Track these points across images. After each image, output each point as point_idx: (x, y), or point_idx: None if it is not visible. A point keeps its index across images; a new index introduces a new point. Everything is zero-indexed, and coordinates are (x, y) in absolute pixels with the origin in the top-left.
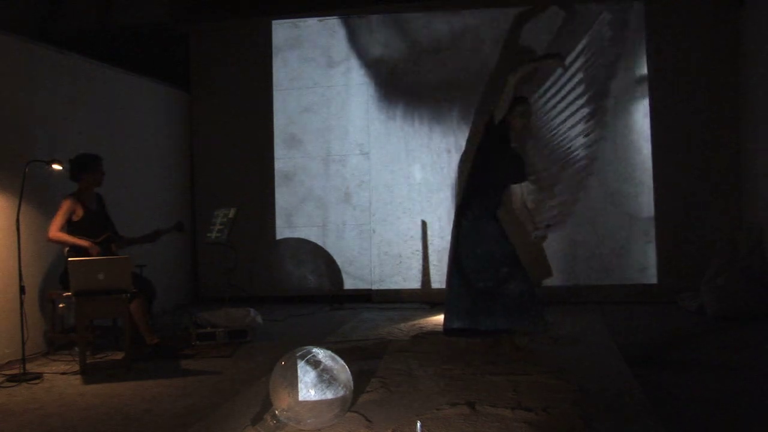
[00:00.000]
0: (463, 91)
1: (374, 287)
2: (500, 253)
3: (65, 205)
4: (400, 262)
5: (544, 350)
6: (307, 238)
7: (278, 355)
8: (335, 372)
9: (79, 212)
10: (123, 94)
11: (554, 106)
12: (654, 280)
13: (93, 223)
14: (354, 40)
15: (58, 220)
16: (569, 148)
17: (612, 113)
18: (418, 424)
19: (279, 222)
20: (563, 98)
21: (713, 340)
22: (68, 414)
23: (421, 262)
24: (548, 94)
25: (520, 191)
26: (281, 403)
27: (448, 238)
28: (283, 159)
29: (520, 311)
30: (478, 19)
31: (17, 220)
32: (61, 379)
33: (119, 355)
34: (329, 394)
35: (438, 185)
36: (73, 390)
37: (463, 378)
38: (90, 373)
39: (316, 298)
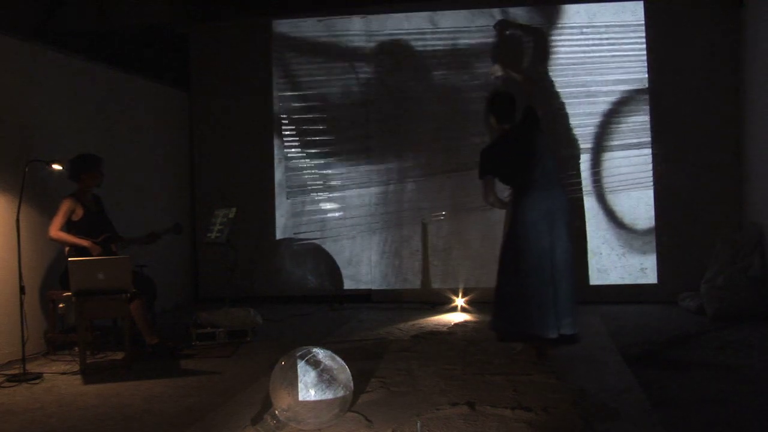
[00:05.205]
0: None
1: (374, 287)
2: None
3: (65, 205)
4: (400, 262)
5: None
6: (307, 238)
7: (278, 355)
8: (335, 372)
9: (79, 212)
10: (123, 94)
11: (553, 106)
12: (654, 280)
13: (93, 223)
14: (354, 40)
15: (58, 219)
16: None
17: (612, 113)
18: (418, 424)
19: (279, 222)
20: (562, 98)
21: (713, 340)
22: (68, 414)
23: (421, 262)
24: (547, 95)
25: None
26: (281, 403)
27: (448, 237)
28: (283, 159)
29: None
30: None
31: (17, 220)
32: (61, 379)
33: (119, 355)
34: (329, 394)
35: (438, 183)
36: (73, 390)
37: (463, 378)
38: (90, 373)
39: (316, 298)
